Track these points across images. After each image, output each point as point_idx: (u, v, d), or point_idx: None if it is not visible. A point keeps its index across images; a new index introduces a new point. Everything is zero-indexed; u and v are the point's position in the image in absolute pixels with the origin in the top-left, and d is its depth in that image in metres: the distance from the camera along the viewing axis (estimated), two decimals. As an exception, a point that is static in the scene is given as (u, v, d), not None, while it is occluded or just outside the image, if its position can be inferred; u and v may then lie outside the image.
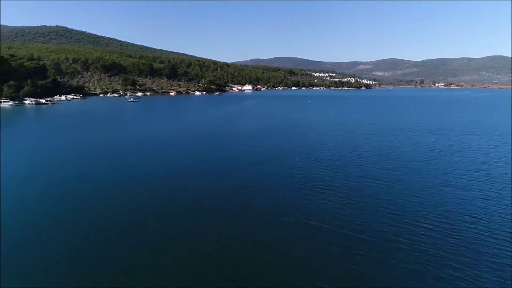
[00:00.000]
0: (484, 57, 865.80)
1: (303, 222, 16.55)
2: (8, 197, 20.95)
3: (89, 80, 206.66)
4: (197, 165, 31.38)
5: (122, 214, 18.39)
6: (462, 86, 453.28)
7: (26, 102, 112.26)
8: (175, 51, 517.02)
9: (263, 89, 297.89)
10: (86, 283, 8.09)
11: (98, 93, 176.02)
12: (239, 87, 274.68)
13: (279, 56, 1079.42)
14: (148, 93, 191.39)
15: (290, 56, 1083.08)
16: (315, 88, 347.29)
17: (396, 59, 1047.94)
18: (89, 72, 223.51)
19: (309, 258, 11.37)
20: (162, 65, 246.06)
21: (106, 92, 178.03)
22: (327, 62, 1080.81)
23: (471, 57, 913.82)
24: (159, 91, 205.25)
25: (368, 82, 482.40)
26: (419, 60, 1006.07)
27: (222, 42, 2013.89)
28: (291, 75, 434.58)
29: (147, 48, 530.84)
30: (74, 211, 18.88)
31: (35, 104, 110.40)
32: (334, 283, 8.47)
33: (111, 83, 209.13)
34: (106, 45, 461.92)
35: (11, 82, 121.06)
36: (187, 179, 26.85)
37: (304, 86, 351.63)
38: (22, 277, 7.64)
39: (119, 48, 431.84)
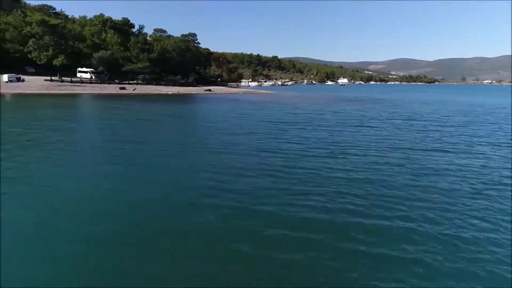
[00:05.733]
0: (498, 57, 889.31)
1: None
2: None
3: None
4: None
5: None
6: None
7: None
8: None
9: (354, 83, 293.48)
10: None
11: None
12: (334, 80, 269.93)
13: (288, 56, 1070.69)
14: (290, 82, 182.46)
15: (299, 56, 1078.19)
16: (388, 82, 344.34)
17: (408, 59, 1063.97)
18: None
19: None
20: (268, 58, 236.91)
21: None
22: (337, 62, 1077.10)
23: (484, 56, 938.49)
24: (288, 81, 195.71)
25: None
26: (432, 60, 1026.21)
27: (226, 41, 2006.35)
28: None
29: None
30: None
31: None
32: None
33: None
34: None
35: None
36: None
37: (375, 80, 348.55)
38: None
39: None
